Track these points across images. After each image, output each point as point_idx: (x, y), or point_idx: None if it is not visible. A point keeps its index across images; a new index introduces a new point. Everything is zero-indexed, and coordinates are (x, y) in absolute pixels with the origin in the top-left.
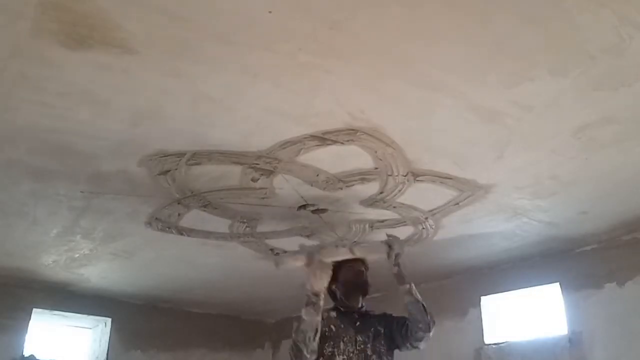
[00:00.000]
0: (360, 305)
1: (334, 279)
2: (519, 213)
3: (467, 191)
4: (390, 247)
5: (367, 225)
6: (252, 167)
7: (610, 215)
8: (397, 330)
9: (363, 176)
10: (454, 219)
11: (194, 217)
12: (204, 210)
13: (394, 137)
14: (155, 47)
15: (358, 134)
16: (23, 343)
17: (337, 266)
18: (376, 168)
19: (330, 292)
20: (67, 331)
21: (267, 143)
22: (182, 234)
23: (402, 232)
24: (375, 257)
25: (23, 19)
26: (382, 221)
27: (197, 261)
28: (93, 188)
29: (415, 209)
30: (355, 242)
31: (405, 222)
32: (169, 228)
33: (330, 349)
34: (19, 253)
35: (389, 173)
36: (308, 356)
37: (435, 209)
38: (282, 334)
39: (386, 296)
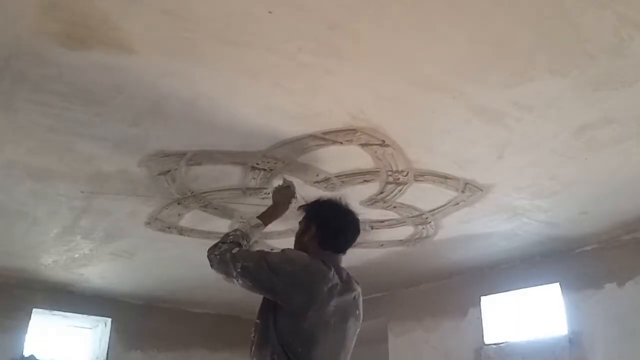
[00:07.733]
0: None
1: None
2: (518, 213)
3: (467, 191)
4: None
5: (367, 226)
6: (252, 167)
7: (610, 215)
8: None
9: (363, 176)
10: (454, 219)
11: (194, 217)
12: (204, 210)
13: (394, 137)
14: (155, 47)
15: (358, 134)
16: (23, 343)
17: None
18: (376, 168)
19: None
20: (67, 331)
21: (267, 143)
22: (182, 234)
23: (403, 232)
24: None
25: (23, 19)
26: (382, 221)
27: (197, 261)
28: (93, 188)
29: (415, 209)
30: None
31: (405, 222)
32: (169, 228)
33: None
34: (19, 253)
35: (389, 173)
36: None
37: (435, 209)
38: None
39: (386, 296)
